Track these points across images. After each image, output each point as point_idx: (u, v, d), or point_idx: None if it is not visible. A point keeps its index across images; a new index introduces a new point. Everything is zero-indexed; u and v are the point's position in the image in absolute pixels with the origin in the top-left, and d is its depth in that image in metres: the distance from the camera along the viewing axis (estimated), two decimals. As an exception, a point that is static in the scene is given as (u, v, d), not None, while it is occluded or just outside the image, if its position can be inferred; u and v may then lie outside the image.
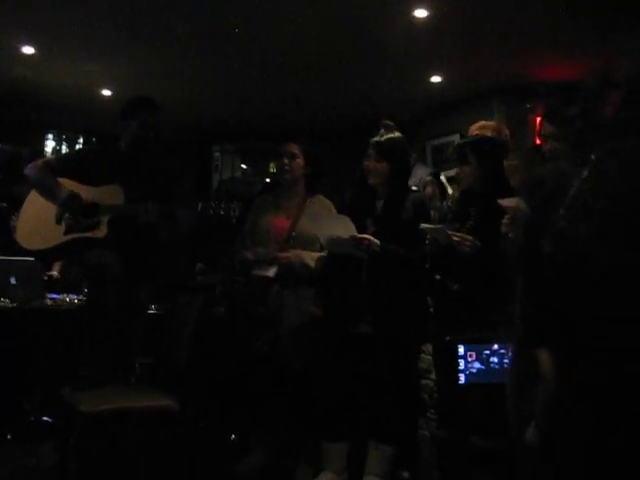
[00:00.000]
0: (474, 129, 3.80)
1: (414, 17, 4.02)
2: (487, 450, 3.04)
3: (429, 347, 4.00)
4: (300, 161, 3.53)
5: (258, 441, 3.57)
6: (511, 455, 2.92)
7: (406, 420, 3.31)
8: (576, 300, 1.26)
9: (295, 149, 3.53)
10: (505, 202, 2.95)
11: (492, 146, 3.33)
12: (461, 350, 2.81)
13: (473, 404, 3.05)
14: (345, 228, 3.08)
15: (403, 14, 4.00)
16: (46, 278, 4.50)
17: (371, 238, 3.06)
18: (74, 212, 3.19)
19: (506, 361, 2.69)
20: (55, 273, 4.59)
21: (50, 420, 3.99)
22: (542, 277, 1.34)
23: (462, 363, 2.80)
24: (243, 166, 7.61)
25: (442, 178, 4.30)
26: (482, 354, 2.78)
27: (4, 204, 4.02)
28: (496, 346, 2.77)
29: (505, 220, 2.94)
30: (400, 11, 3.97)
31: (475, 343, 2.79)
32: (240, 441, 3.76)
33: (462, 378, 2.81)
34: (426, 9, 3.93)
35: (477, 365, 2.79)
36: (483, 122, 3.99)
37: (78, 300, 4.25)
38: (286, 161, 3.52)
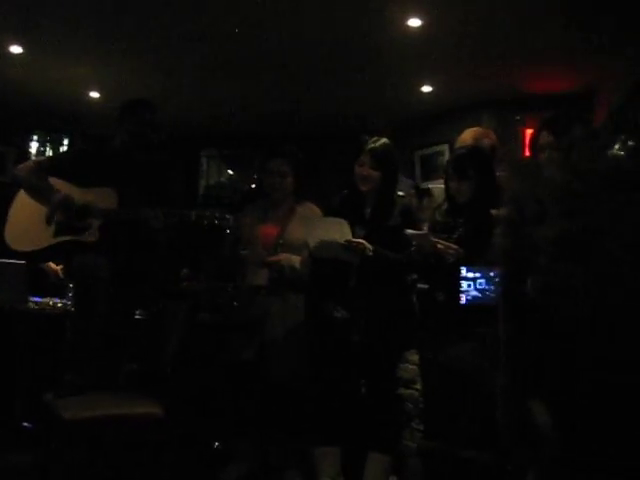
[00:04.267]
0: (467, 136, 3.79)
1: (407, 26, 4.02)
2: (475, 463, 3.03)
3: (414, 357, 3.99)
4: (290, 179, 3.53)
5: (242, 449, 3.55)
6: (500, 469, 2.94)
7: (397, 429, 3.31)
8: (575, 348, 1.19)
9: (285, 167, 3.52)
10: (500, 213, 2.94)
11: (490, 157, 3.32)
12: (463, 271, 2.92)
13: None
14: (341, 231, 3.08)
15: (397, 23, 3.99)
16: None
17: (365, 242, 3.07)
18: (66, 216, 3.14)
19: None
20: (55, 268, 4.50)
21: (30, 426, 3.93)
22: (531, 324, 1.28)
23: (464, 284, 2.92)
24: (229, 172, 7.58)
25: (427, 188, 4.27)
26: (477, 282, 2.92)
27: None
28: (492, 273, 2.86)
29: (498, 231, 2.93)
30: (394, 20, 3.96)
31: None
32: (224, 449, 3.73)
33: (463, 299, 2.93)
34: (420, 19, 3.93)
35: (474, 293, 2.92)
36: (475, 128, 3.98)
37: (62, 304, 4.20)
38: (277, 180, 3.52)
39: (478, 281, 2.88)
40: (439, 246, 3.03)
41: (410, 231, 3.12)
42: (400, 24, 4.00)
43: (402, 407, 3.56)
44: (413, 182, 4.64)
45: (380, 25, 4.06)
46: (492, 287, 2.85)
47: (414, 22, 3.97)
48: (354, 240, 3.07)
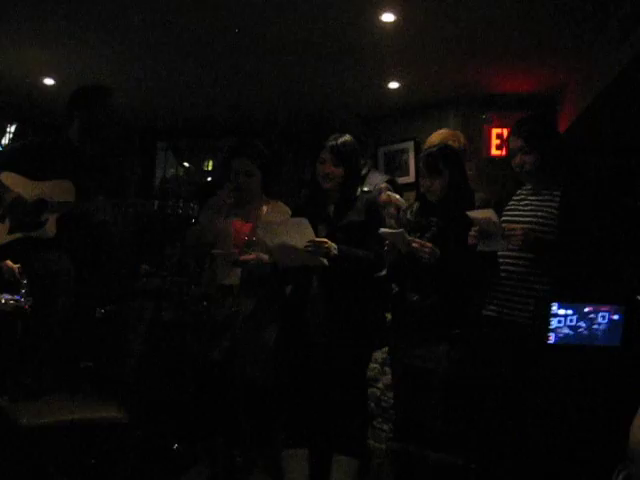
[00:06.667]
0: (435, 139, 3.77)
1: (381, 21, 3.95)
2: (445, 466, 3.00)
3: (377, 355, 3.95)
4: (257, 177, 3.43)
5: (206, 451, 3.46)
6: (468, 472, 2.92)
7: (364, 431, 3.25)
8: None
9: (251, 166, 3.41)
10: (474, 213, 2.91)
11: (460, 156, 3.30)
12: (554, 308, 2.73)
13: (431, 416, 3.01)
14: (302, 233, 2.99)
15: (370, 17, 3.92)
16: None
17: (328, 242, 2.99)
18: (19, 216, 2.99)
19: (595, 327, 2.73)
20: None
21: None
22: None
23: (554, 322, 2.73)
24: (186, 164, 7.44)
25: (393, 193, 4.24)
26: (568, 319, 2.73)
27: None
28: (586, 309, 2.74)
29: (472, 232, 2.91)
30: (368, 14, 3.89)
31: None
32: (187, 451, 3.63)
33: (552, 337, 2.74)
34: (394, 14, 3.86)
35: (565, 330, 2.74)
36: (443, 130, 3.97)
37: (13, 301, 4.03)
38: (243, 179, 3.41)
39: (569, 318, 2.72)
40: (414, 245, 2.99)
41: (384, 230, 3.06)
42: (374, 19, 3.93)
43: (366, 407, 3.52)
44: (386, 176, 4.57)
45: (353, 19, 3.98)
46: (585, 324, 2.73)
47: (388, 17, 3.90)
48: (317, 240, 2.99)
